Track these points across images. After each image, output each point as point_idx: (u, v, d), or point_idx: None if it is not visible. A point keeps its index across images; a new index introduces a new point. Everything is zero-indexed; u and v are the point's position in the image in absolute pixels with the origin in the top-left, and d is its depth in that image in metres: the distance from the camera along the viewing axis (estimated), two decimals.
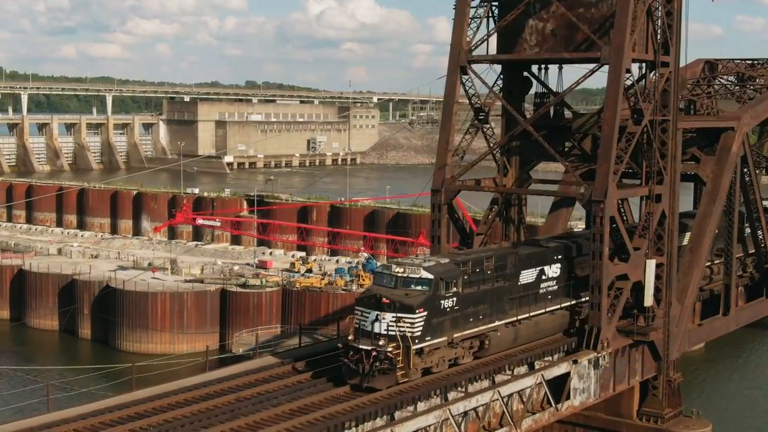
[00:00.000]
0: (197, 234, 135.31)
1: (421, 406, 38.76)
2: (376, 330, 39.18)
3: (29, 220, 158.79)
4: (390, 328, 38.99)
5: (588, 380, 46.27)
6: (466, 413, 40.06)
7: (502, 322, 44.56)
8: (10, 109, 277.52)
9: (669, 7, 49.62)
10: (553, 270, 47.93)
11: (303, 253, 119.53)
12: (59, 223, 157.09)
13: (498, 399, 40.91)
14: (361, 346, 39.03)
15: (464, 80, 51.51)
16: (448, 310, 40.84)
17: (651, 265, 49.11)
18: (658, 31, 49.19)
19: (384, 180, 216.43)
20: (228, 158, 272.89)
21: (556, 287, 48.18)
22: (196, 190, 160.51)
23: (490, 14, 52.16)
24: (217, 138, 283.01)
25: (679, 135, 51.42)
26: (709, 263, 59.42)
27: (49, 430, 34.36)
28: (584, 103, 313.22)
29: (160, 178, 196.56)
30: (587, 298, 48.10)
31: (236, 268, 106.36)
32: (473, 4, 51.55)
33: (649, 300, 49.35)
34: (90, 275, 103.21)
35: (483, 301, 43.12)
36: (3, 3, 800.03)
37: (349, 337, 40.01)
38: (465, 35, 50.98)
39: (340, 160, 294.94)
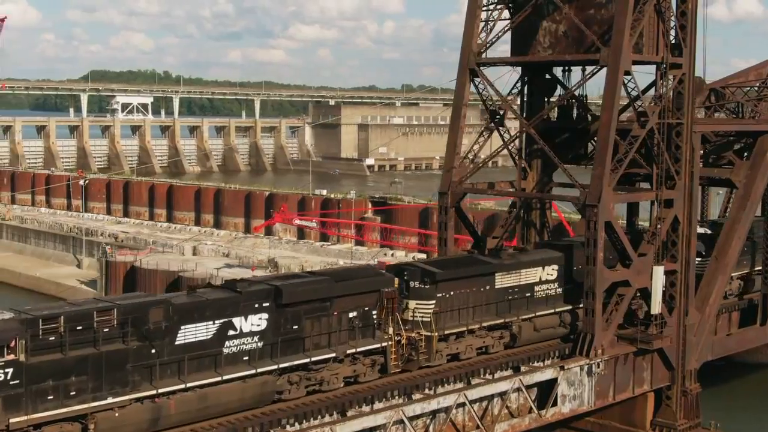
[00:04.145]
0: (324, 235, 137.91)
1: (379, 406, 38.95)
2: None
3: (169, 218, 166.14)
4: None
5: (580, 387, 45.41)
6: (434, 415, 40.26)
7: (125, 398, 32.90)
8: (163, 112, 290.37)
9: (683, 8, 48.19)
10: (253, 323, 36.58)
11: (423, 255, 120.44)
12: (197, 221, 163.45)
13: (465, 402, 40.81)
14: None
15: (477, 82, 51.55)
16: None
17: (658, 271, 47.73)
18: (670, 32, 47.94)
19: None
20: (369, 161, 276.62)
21: (256, 345, 36.68)
22: (324, 192, 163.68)
23: (510, 16, 52.02)
24: (359, 141, 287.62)
25: (697, 138, 49.76)
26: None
27: None
28: None
29: (305, 180, 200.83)
30: (331, 355, 38.70)
31: None
32: (488, 6, 51.49)
33: (656, 307, 47.99)
34: (195, 272, 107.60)
35: (82, 372, 31.83)
36: (171, 9, 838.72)
37: None
38: (475, 37, 50.95)
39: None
